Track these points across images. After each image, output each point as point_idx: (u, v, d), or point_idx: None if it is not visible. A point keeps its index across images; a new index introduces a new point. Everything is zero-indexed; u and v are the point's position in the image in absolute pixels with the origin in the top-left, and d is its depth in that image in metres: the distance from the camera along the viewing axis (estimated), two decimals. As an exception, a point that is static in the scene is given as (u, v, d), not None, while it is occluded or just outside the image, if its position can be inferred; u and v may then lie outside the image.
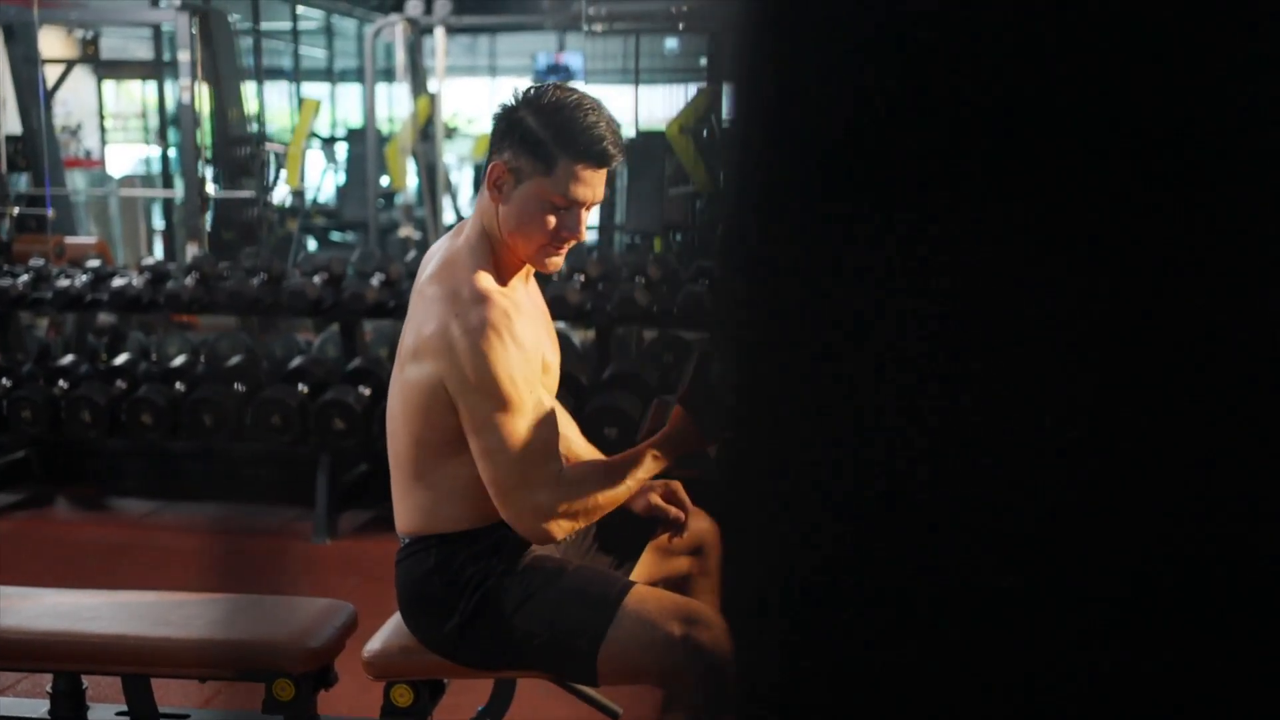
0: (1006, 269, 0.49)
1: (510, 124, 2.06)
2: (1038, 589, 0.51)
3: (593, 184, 2.06)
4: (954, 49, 0.49)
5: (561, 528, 2.06)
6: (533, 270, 2.21)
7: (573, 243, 2.11)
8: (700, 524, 2.40)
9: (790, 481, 0.53)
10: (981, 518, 0.51)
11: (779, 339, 0.53)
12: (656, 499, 2.31)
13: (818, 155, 0.51)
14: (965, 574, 0.51)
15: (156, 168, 11.71)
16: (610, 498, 2.10)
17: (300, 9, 11.45)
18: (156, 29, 10.35)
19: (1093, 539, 0.50)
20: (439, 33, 6.15)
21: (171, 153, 10.70)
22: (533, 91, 2.09)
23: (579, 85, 2.58)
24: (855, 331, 0.51)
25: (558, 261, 2.13)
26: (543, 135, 2.02)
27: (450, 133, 8.52)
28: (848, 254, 0.51)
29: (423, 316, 2.08)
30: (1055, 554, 0.51)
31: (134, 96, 12.58)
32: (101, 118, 11.44)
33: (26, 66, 7.89)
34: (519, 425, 2.01)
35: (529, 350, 2.04)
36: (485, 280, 2.05)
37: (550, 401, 2.16)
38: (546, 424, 2.05)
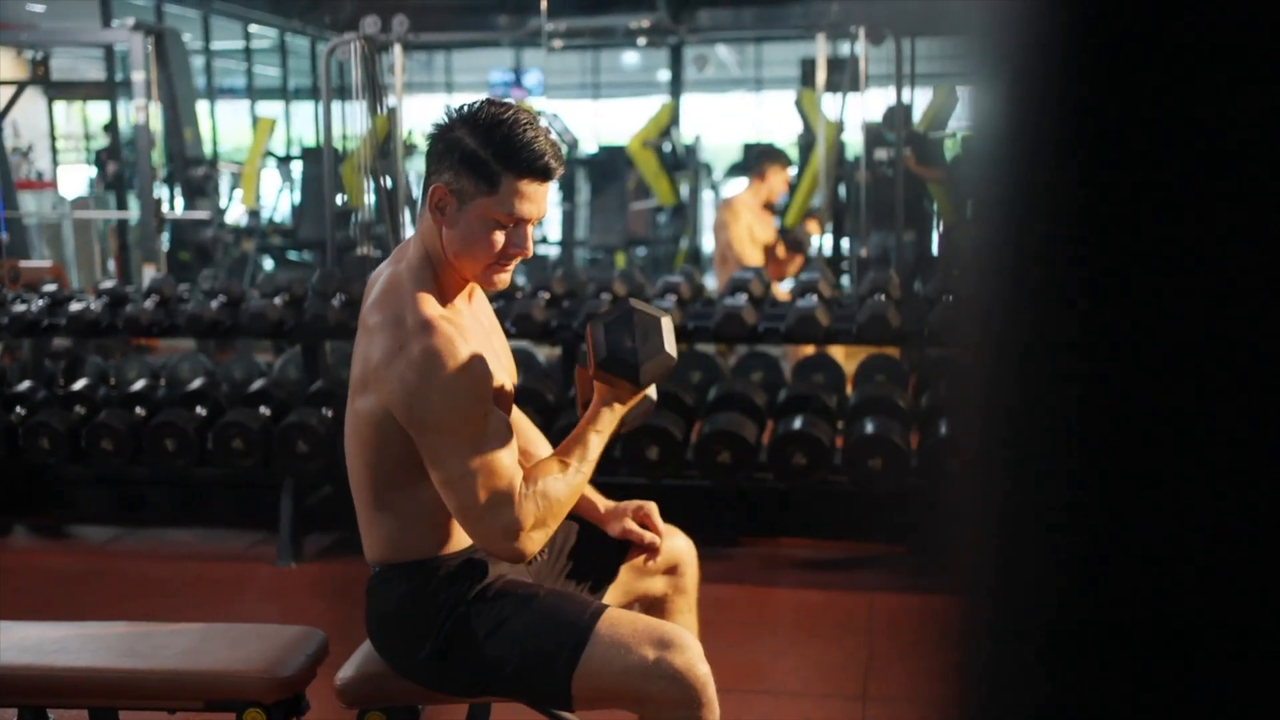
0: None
1: (448, 145, 2.03)
2: None
3: (537, 199, 2.04)
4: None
5: (535, 541, 2.03)
6: (476, 287, 2.19)
7: (520, 259, 2.10)
8: (675, 543, 2.40)
9: (1071, 511, 0.49)
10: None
11: (1058, 360, 0.49)
12: (630, 524, 2.30)
13: (1108, 164, 0.47)
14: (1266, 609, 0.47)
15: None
16: (571, 491, 2.08)
17: (253, 28, 11.38)
18: (109, 49, 10.27)
19: None
20: (397, 50, 6.12)
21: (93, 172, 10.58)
22: (467, 109, 2.05)
23: (539, 101, 2.57)
24: (1140, 348, 0.47)
25: (505, 278, 2.11)
26: (483, 154, 2.00)
27: (409, 150, 8.49)
28: (1135, 267, 0.47)
29: (367, 347, 2.05)
30: None
31: (88, 116, 12.47)
32: (53, 139, 11.33)
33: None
34: (475, 451, 1.98)
35: (476, 372, 2.00)
36: (428, 305, 2.02)
37: (504, 419, 2.13)
38: (502, 443, 2.02)
